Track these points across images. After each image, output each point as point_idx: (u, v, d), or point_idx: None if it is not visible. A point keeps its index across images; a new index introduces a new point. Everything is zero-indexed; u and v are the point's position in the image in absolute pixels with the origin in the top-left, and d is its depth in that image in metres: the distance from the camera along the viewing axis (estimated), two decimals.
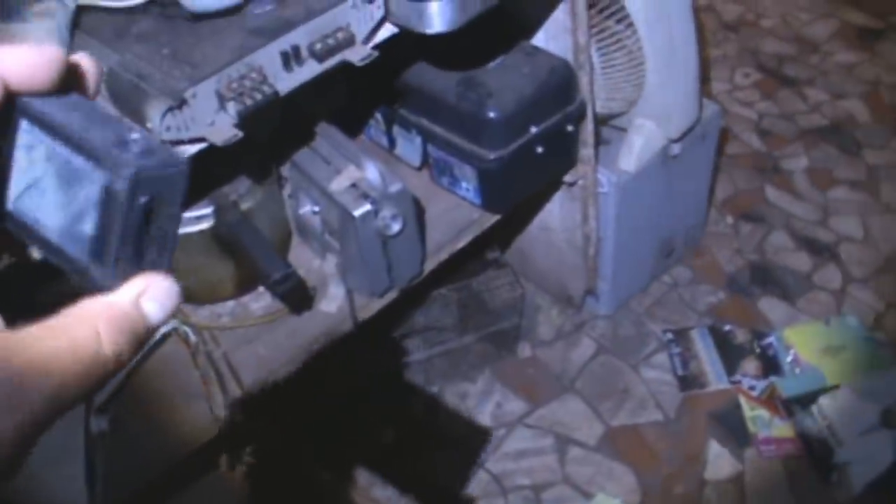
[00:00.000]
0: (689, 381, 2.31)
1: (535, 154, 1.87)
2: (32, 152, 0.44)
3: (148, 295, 0.44)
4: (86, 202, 0.43)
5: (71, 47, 1.32)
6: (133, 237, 0.43)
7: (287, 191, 1.83)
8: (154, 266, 0.45)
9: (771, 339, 2.38)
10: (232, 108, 1.29)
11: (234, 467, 1.73)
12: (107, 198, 0.43)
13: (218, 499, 1.77)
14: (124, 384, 1.63)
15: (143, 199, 0.43)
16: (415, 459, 2.20)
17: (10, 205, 0.45)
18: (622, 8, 1.93)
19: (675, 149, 2.20)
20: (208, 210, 1.62)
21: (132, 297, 0.44)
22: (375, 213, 1.60)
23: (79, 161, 0.43)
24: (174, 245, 0.46)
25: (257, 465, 1.77)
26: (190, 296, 1.77)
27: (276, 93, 1.33)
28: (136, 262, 0.44)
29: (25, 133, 0.44)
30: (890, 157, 2.92)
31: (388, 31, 1.49)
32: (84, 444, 1.49)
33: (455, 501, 2.12)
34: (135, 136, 0.44)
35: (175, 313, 0.46)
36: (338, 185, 1.63)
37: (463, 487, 2.15)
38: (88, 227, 0.43)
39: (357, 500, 2.10)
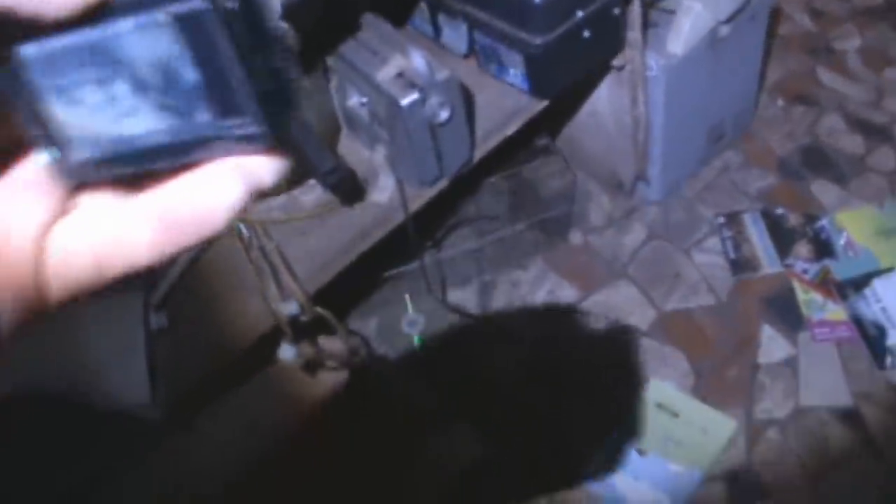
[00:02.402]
0: (741, 265, 2.30)
1: (581, 38, 1.85)
2: (55, 76, 0.33)
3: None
4: (158, 65, 0.33)
5: None
6: (251, 53, 0.33)
7: (334, 83, 1.82)
8: (292, 89, 0.35)
9: (823, 223, 2.36)
10: None
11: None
12: (189, 28, 0.32)
13: (274, 391, 1.80)
14: (180, 280, 1.65)
15: (230, 4, 0.32)
16: (469, 349, 2.22)
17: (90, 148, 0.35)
18: None
19: (724, 30, 2.16)
20: None
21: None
22: (423, 101, 1.59)
23: (103, 33, 0.32)
24: (293, 56, 0.35)
25: (315, 358, 1.79)
26: None
27: None
28: (276, 87, 0.34)
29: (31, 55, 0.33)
30: None
31: None
32: (144, 340, 1.51)
33: (511, 389, 2.14)
34: None
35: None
36: (384, 74, 1.62)
37: (518, 375, 2.17)
38: (188, 78, 0.33)
39: (412, 393, 2.12)
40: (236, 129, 0.33)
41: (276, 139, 0.34)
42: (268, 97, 0.33)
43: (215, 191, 0.35)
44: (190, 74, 0.33)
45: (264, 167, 0.35)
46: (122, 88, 0.33)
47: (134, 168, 0.35)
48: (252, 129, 0.33)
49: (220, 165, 0.35)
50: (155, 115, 0.33)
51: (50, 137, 0.35)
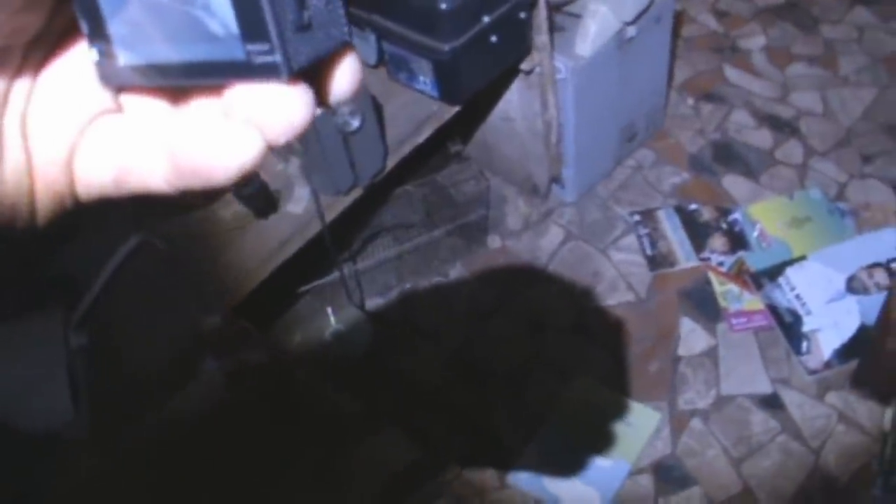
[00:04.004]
0: (658, 261, 2.35)
1: (489, 43, 1.88)
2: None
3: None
4: None
5: None
6: None
7: None
8: (330, 24, 0.35)
9: (737, 216, 2.41)
10: None
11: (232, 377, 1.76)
12: None
13: (201, 404, 1.79)
14: (101, 298, 1.64)
15: None
16: (394, 356, 2.23)
17: (122, 61, 0.36)
18: None
19: (631, 32, 2.21)
20: None
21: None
22: (334, 111, 1.61)
23: None
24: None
25: (237, 370, 1.79)
26: (158, 207, 1.78)
27: None
28: (302, 20, 0.34)
29: None
30: (846, 30, 2.94)
31: None
32: (65, 360, 1.51)
33: (437, 393, 2.16)
34: None
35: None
36: None
37: (443, 378, 2.18)
38: (219, 0, 0.33)
39: (338, 402, 2.13)
40: (259, 55, 0.33)
41: (292, 75, 0.33)
42: (295, 30, 0.33)
43: (228, 145, 0.35)
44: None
45: (280, 124, 0.35)
46: (162, 1, 0.34)
47: (168, 81, 0.36)
48: (271, 59, 0.33)
49: (238, 121, 0.35)
50: (192, 30, 0.34)
51: (98, 35, 0.36)
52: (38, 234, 0.39)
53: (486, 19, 1.85)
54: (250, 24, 0.33)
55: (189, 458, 1.75)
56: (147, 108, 0.38)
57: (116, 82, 0.37)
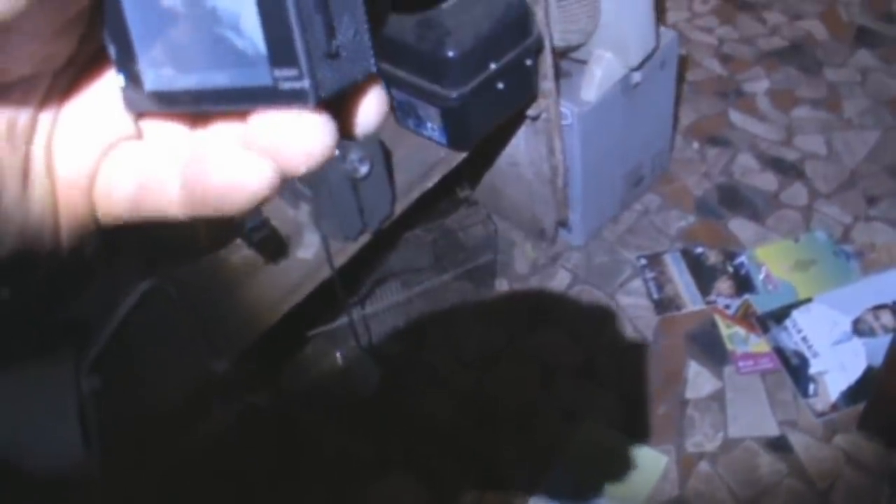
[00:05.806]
0: (664, 305, 2.36)
1: (496, 90, 1.90)
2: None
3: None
4: (227, 6, 0.33)
5: None
6: (311, 9, 0.33)
7: None
8: (357, 55, 0.35)
9: (742, 259, 2.42)
10: None
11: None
12: None
13: (209, 447, 1.80)
14: (113, 342, 1.66)
15: None
16: (403, 398, 2.24)
17: (150, 87, 0.37)
18: None
19: (636, 77, 2.23)
20: None
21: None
22: (343, 156, 1.63)
23: None
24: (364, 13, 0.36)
25: (247, 413, 1.81)
26: (169, 253, 1.80)
27: None
28: (331, 48, 0.34)
29: None
30: (849, 73, 2.96)
31: None
32: (76, 403, 1.52)
33: (445, 436, 2.16)
34: None
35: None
36: None
37: (452, 421, 2.19)
38: (248, 24, 0.33)
39: (348, 445, 2.14)
40: (286, 81, 0.33)
41: (319, 103, 0.34)
42: (324, 57, 0.34)
43: (242, 174, 0.35)
44: (253, 14, 0.33)
45: (301, 152, 0.35)
46: (192, 25, 0.34)
47: (193, 107, 0.37)
48: (299, 85, 0.33)
49: (255, 150, 0.35)
50: (219, 55, 0.34)
51: (126, 61, 0.37)
52: (62, 261, 0.39)
53: (492, 66, 1.88)
54: (279, 48, 0.33)
55: (197, 501, 1.76)
56: (166, 134, 0.38)
57: (141, 108, 0.38)
